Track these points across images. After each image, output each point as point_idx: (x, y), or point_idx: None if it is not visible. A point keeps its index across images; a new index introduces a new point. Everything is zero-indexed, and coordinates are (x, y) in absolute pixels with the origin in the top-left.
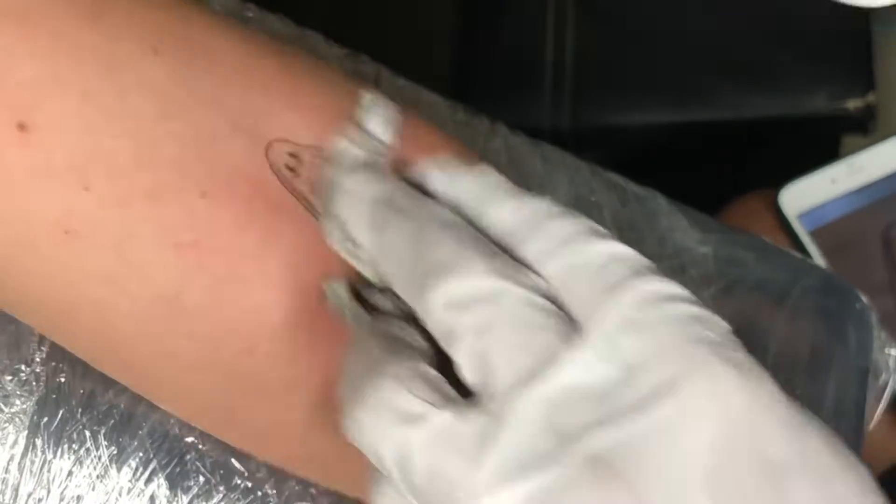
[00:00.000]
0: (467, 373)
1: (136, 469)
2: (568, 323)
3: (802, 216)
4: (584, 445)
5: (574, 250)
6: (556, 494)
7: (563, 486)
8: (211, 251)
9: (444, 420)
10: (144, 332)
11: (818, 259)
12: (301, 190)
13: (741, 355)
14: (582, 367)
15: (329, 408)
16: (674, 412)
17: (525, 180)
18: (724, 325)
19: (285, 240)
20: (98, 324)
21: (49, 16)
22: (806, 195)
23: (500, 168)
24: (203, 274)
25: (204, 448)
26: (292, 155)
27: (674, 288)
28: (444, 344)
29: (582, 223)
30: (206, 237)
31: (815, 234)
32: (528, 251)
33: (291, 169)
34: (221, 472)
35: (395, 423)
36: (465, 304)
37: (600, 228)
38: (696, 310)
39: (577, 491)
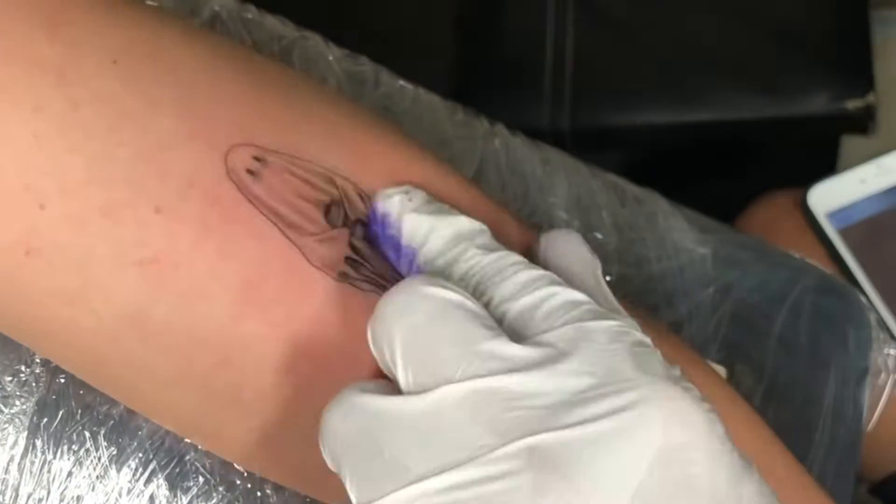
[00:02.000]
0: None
1: (136, 470)
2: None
3: (831, 215)
4: (527, 441)
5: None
6: (494, 482)
7: (502, 473)
8: (171, 268)
9: (389, 404)
10: (118, 350)
11: (847, 258)
12: (259, 194)
13: (698, 394)
14: (540, 376)
15: (307, 418)
16: (626, 425)
17: (525, 182)
18: (677, 367)
19: (243, 252)
20: (73, 342)
21: (4, 29)
22: (835, 195)
23: (500, 168)
24: (166, 291)
25: (203, 449)
26: (257, 159)
27: (636, 333)
28: None
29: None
30: (164, 254)
31: (844, 234)
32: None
33: (253, 172)
34: (221, 472)
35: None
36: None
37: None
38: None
39: (516, 477)
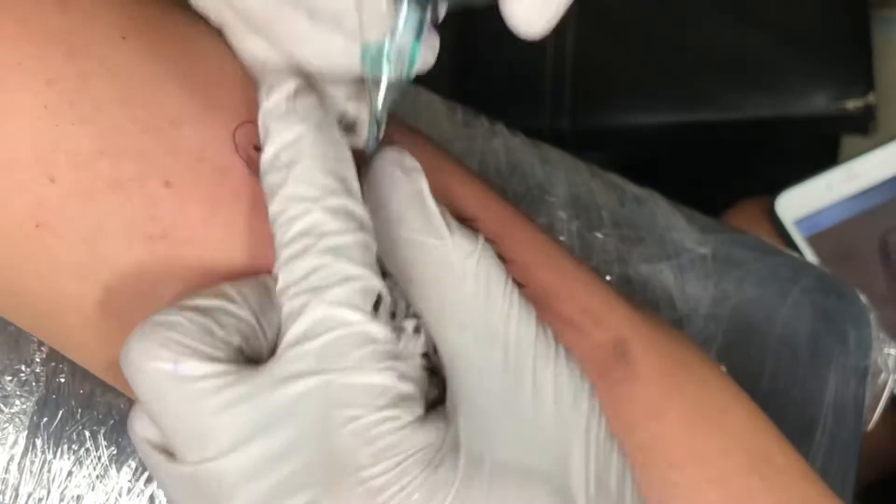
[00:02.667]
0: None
1: (136, 469)
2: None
3: (799, 222)
4: None
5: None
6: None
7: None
8: (181, 244)
9: (203, 370)
10: (128, 327)
11: (816, 265)
12: None
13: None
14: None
15: None
16: None
17: (524, 181)
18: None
19: (252, 228)
20: (80, 319)
21: (15, 2)
22: (802, 201)
23: (500, 168)
24: (176, 268)
25: None
26: None
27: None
28: None
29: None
30: (173, 230)
31: (812, 241)
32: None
33: (259, 149)
34: None
35: (158, 360)
36: None
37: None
38: None
39: None
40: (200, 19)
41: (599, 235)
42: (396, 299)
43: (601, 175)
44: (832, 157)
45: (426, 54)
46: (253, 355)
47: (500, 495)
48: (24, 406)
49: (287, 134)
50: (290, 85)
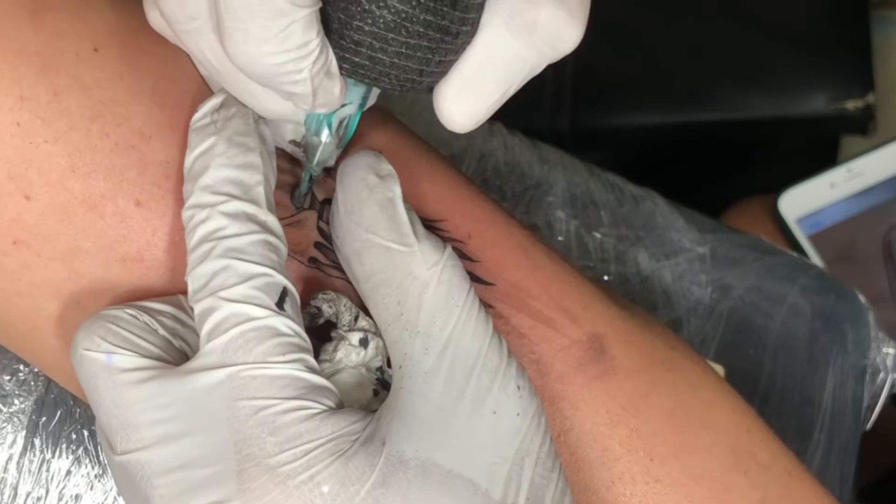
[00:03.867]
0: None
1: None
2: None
3: (801, 221)
4: None
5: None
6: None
7: None
8: (154, 267)
9: (131, 363)
10: None
11: (818, 263)
12: None
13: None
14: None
15: None
16: None
17: (523, 180)
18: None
19: None
20: (57, 339)
21: None
22: (805, 200)
23: (499, 167)
24: (151, 291)
25: None
26: None
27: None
28: None
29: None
30: (146, 250)
31: (815, 239)
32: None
33: None
34: None
35: (95, 350)
36: None
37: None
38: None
39: None
40: None
41: (598, 235)
42: (339, 312)
43: (600, 175)
44: (832, 157)
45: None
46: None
47: (419, 495)
48: (23, 405)
49: (200, 146)
50: (215, 100)
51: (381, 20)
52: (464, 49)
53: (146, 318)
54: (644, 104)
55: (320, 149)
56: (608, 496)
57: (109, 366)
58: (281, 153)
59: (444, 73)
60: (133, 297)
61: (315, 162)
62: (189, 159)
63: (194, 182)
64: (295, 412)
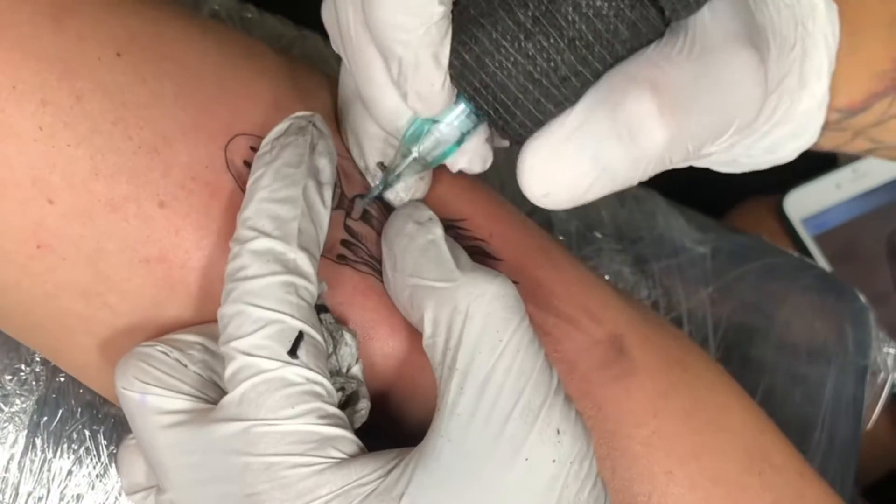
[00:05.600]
0: None
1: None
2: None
3: (806, 221)
4: None
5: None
6: None
7: None
8: (178, 268)
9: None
10: (133, 345)
11: (822, 264)
12: None
13: None
14: None
15: None
16: None
17: None
18: None
19: None
20: (87, 338)
21: (12, 23)
22: (810, 200)
23: (499, 167)
24: (175, 291)
25: None
26: (253, 149)
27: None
28: None
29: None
30: (170, 252)
31: (819, 239)
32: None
33: (249, 164)
34: None
35: (131, 390)
36: None
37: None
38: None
39: None
40: (194, 30)
41: (599, 235)
42: (338, 350)
43: None
44: (832, 157)
45: (469, 158)
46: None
47: None
48: (24, 405)
49: (254, 174)
50: (280, 126)
51: (529, 45)
52: (566, 106)
53: (177, 353)
54: None
55: (407, 160)
56: (627, 495)
57: (144, 406)
58: None
59: (540, 124)
60: (157, 294)
61: (396, 170)
62: (247, 185)
63: (240, 213)
64: (302, 468)
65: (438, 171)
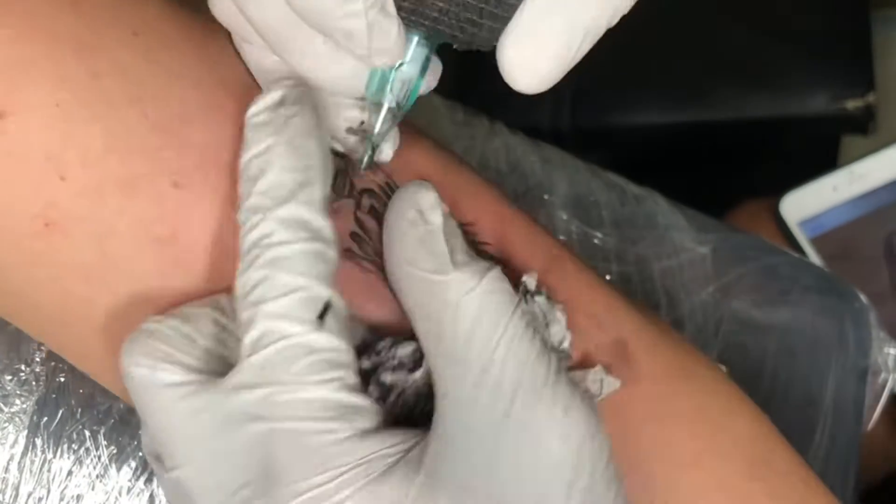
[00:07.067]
0: None
1: (136, 468)
2: None
3: (803, 223)
4: None
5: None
6: None
7: None
8: (188, 247)
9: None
10: (131, 330)
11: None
12: None
13: None
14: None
15: None
16: None
17: (525, 180)
18: None
19: None
20: (86, 323)
21: (30, 2)
22: (807, 202)
23: (500, 167)
24: (183, 272)
25: None
26: None
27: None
28: None
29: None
30: (182, 231)
31: (816, 242)
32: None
33: None
34: None
35: (140, 367)
36: None
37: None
38: None
39: None
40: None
41: (599, 235)
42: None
43: (601, 174)
44: (832, 158)
45: (429, 81)
46: (236, 361)
47: None
48: (24, 405)
49: (258, 144)
50: (274, 94)
51: None
52: None
53: (186, 328)
54: (644, 104)
55: (382, 114)
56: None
57: (153, 382)
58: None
59: (506, 19)
60: (165, 281)
61: (377, 130)
62: (245, 157)
63: (253, 183)
64: (327, 435)
65: (450, 181)
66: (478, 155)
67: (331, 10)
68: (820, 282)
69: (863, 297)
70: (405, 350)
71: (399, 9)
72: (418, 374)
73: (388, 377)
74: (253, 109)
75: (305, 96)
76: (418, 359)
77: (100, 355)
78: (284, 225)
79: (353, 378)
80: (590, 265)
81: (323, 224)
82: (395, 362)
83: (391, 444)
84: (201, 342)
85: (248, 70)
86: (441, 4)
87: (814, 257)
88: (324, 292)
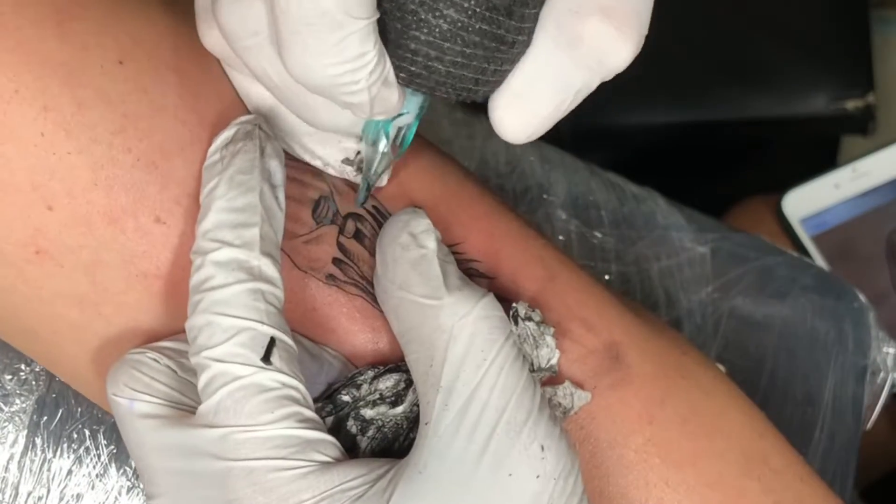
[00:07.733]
0: None
1: (136, 468)
2: None
3: (805, 221)
4: None
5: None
6: None
7: None
8: (173, 286)
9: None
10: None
11: (821, 264)
12: None
13: None
14: None
15: None
16: None
17: (524, 180)
18: None
19: None
20: (79, 347)
21: (15, 26)
22: (809, 200)
23: (499, 167)
24: (170, 307)
25: None
26: None
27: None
28: None
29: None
30: (166, 268)
31: (818, 239)
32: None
33: None
34: None
35: (121, 396)
36: None
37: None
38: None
39: None
40: (195, 38)
41: (599, 234)
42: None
43: (600, 174)
44: (832, 157)
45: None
46: None
47: None
48: (24, 405)
49: (207, 185)
50: (227, 133)
51: (437, 29)
52: (519, 59)
53: (167, 360)
54: (644, 104)
55: (377, 158)
56: (623, 503)
57: (131, 412)
58: (305, 165)
59: (500, 83)
60: (154, 309)
61: (373, 171)
62: (201, 197)
63: (198, 225)
64: (285, 472)
65: (437, 191)
66: (477, 155)
67: (335, 86)
68: (819, 281)
69: (862, 297)
70: (386, 383)
71: (398, 77)
72: (399, 409)
73: (368, 412)
74: (210, 150)
75: (255, 131)
76: (401, 391)
77: (90, 378)
78: (221, 267)
79: (308, 412)
80: (585, 267)
81: (262, 262)
82: (376, 396)
83: (355, 475)
84: (181, 374)
85: (234, 97)
86: (439, 77)
87: (815, 254)
88: (267, 331)
